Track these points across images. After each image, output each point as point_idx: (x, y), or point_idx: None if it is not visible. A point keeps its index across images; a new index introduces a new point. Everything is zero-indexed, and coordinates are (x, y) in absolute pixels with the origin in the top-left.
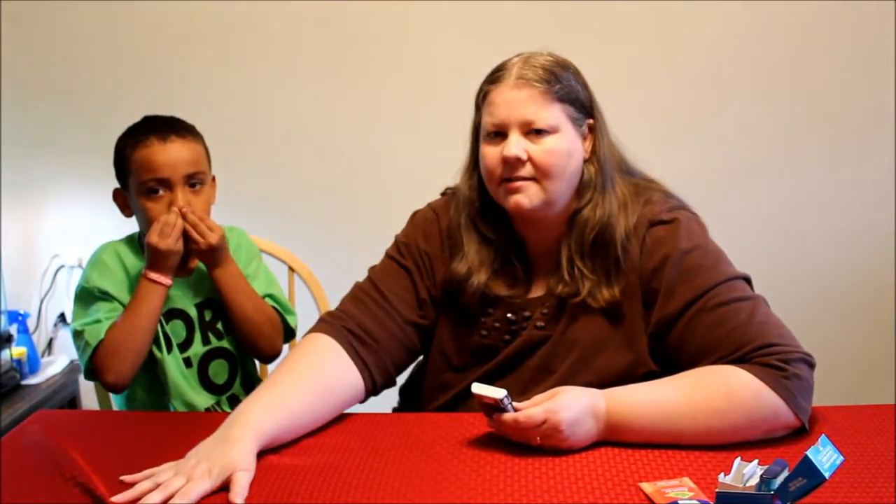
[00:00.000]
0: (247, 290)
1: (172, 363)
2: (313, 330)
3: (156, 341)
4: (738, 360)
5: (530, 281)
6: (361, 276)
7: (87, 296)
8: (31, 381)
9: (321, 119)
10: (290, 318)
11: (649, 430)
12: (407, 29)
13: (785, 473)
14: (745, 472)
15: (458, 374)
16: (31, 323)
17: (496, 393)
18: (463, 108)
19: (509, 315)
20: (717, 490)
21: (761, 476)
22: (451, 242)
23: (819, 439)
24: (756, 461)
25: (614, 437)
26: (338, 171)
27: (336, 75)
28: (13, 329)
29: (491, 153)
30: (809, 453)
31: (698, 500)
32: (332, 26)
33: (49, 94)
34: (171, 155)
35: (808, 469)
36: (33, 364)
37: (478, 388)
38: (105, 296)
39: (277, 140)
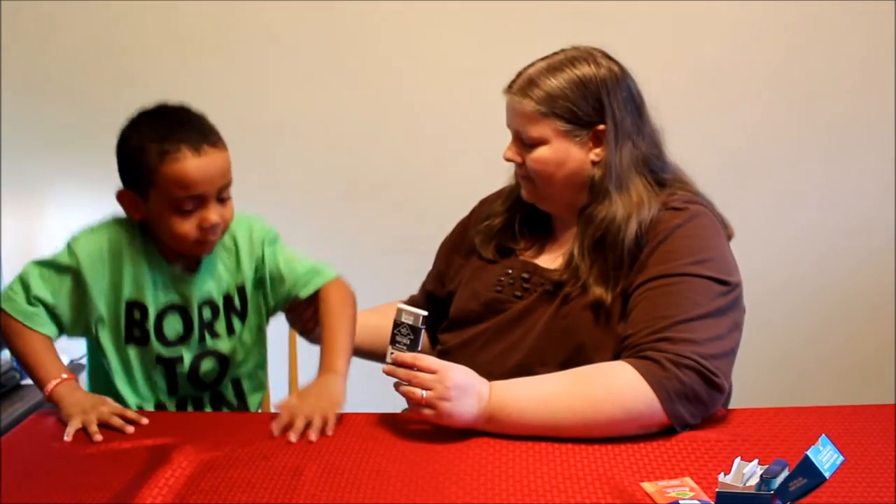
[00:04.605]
0: (348, 346)
1: (125, 358)
2: None
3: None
4: (638, 346)
5: (551, 248)
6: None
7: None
8: (31, 381)
9: (321, 119)
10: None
11: (529, 418)
12: (407, 28)
13: (785, 473)
14: (746, 472)
15: (470, 327)
16: None
17: (418, 314)
18: (463, 108)
19: (524, 275)
20: (717, 490)
21: (761, 476)
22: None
23: (819, 439)
24: (756, 461)
25: (495, 424)
26: (338, 171)
27: (338, 75)
28: None
29: (504, 150)
30: (810, 453)
31: (699, 500)
32: (332, 26)
33: (49, 94)
34: (207, 171)
35: (808, 469)
36: None
37: (402, 306)
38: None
39: (277, 140)
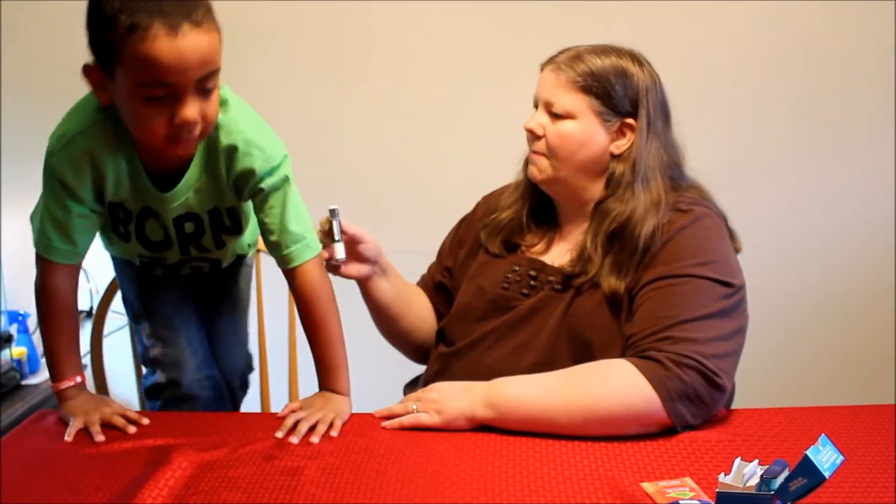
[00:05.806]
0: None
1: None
2: None
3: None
4: (640, 346)
5: (558, 244)
6: None
7: (50, 179)
8: (31, 381)
9: (320, 119)
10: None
11: (527, 405)
12: (408, 28)
13: (785, 473)
14: (746, 472)
15: (477, 324)
16: (31, 323)
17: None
18: (463, 107)
19: (531, 272)
20: (717, 490)
21: (761, 476)
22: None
23: (819, 439)
24: (756, 461)
25: (493, 410)
26: (337, 171)
27: (338, 75)
28: (13, 329)
29: (526, 120)
30: (809, 453)
31: (699, 501)
32: (332, 25)
33: (49, 94)
34: (183, 57)
35: (808, 469)
36: (33, 364)
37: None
38: (66, 190)
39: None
